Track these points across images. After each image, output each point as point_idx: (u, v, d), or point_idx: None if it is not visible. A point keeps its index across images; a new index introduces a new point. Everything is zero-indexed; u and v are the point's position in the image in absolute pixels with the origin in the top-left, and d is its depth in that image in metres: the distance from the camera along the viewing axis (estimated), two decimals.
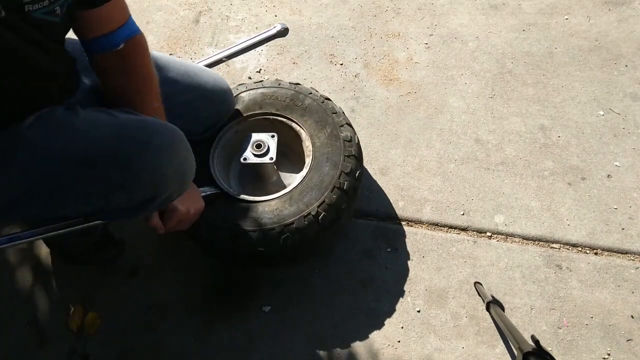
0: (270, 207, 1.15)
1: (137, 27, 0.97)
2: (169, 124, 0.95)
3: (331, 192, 1.14)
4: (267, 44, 1.57)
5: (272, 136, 1.25)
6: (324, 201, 1.13)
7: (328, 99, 1.30)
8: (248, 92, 1.32)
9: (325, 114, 1.26)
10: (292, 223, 1.11)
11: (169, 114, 1.08)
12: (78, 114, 0.88)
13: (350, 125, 1.26)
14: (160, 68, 1.10)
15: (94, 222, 1.00)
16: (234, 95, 1.30)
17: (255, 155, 1.22)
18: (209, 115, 1.23)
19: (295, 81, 1.56)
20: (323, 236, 1.16)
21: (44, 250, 1.39)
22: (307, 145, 1.25)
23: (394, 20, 1.83)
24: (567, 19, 1.78)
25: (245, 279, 1.33)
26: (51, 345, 1.26)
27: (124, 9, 0.94)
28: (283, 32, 1.47)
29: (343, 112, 1.29)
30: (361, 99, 1.64)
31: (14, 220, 0.93)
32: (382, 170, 1.47)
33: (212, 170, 1.22)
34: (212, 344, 1.24)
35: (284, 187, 1.26)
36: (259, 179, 1.32)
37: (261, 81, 1.36)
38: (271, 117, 1.30)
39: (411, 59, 1.72)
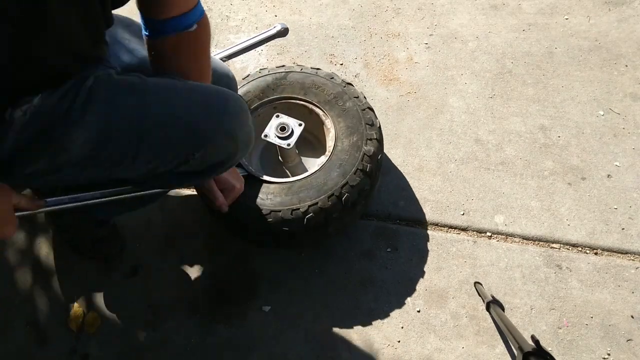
0: (294, 188, 1.18)
1: (203, 9, 0.96)
2: (235, 93, 0.98)
3: (354, 173, 1.17)
4: (267, 44, 1.57)
5: (300, 124, 1.26)
6: (347, 182, 1.16)
7: (350, 84, 1.33)
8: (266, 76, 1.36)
9: (347, 98, 1.29)
10: (317, 203, 1.15)
11: None
12: (144, 79, 0.87)
13: (372, 109, 1.29)
14: None
15: (149, 192, 1.02)
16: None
17: (278, 137, 1.23)
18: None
19: None
20: (346, 216, 1.19)
21: (44, 250, 1.39)
22: (329, 128, 1.28)
23: (394, 20, 1.83)
24: (567, 19, 1.78)
25: (245, 279, 1.33)
26: (51, 345, 1.26)
27: None
28: (283, 32, 1.47)
29: (364, 97, 1.32)
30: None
31: (77, 181, 0.91)
32: (383, 170, 1.47)
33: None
34: (212, 344, 1.24)
35: (306, 170, 1.31)
36: (281, 161, 1.35)
37: (283, 66, 1.40)
38: (297, 101, 1.32)
39: (411, 59, 1.72)
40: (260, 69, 1.39)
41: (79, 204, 0.95)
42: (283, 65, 1.39)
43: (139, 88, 0.85)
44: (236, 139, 0.92)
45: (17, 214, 0.82)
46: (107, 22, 0.86)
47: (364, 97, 1.32)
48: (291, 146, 1.23)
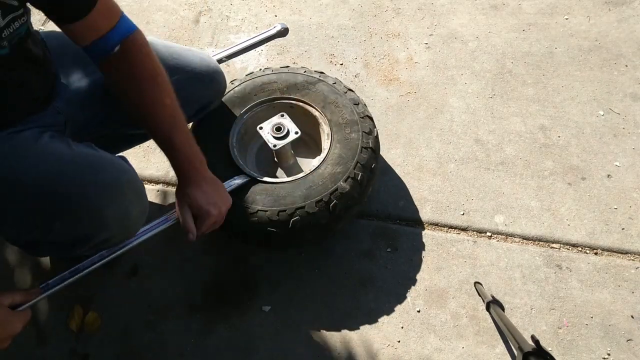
0: (285, 189, 1.18)
1: (132, 25, 0.92)
2: (125, 164, 0.93)
3: (345, 181, 1.16)
4: (267, 44, 1.57)
5: (282, 115, 1.26)
6: (336, 189, 1.16)
7: (351, 90, 1.33)
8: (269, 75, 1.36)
9: (347, 104, 1.28)
10: (304, 207, 1.14)
11: None
12: (39, 140, 0.88)
13: (370, 117, 1.28)
14: None
15: (144, 238, 1.01)
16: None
17: (278, 138, 1.23)
18: (198, 97, 1.19)
19: None
20: (334, 223, 1.19)
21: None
22: (326, 132, 1.27)
23: (394, 20, 1.83)
24: (567, 19, 1.78)
25: (245, 279, 1.33)
26: (51, 345, 1.26)
27: (111, 10, 0.88)
28: (283, 32, 1.47)
29: (364, 104, 1.31)
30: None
31: None
32: (382, 170, 1.47)
33: (232, 153, 1.24)
34: (212, 344, 1.24)
35: (301, 170, 1.31)
36: (277, 161, 1.35)
37: (287, 66, 1.40)
38: (292, 101, 1.32)
39: (411, 59, 1.72)
40: (265, 68, 1.40)
41: (82, 274, 0.95)
42: (287, 66, 1.40)
43: (20, 153, 0.86)
44: (101, 213, 0.87)
45: (19, 309, 0.84)
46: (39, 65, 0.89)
47: (364, 105, 1.31)
48: (277, 148, 1.23)
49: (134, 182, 0.94)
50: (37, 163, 0.86)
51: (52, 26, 1.63)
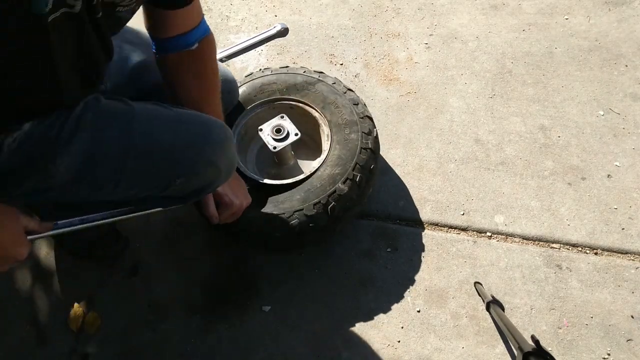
0: (285, 191, 1.18)
1: (208, 26, 0.97)
2: (219, 120, 0.99)
3: (342, 184, 1.16)
4: (267, 44, 1.57)
5: (282, 117, 1.27)
6: (334, 191, 1.15)
7: (350, 90, 1.32)
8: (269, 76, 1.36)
9: (346, 104, 1.28)
10: (302, 209, 1.14)
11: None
12: (131, 105, 0.88)
13: (370, 117, 1.28)
14: None
15: (152, 210, 1.02)
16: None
17: (278, 140, 1.23)
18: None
19: None
20: (332, 225, 1.19)
21: (44, 250, 1.39)
22: (326, 133, 1.27)
23: (394, 20, 1.83)
24: (567, 19, 1.78)
25: (245, 279, 1.33)
26: (51, 345, 1.26)
27: (200, 8, 0.94)
28: (283, 32, 1.47)
29: (364, 104, 1.31)
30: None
31: (63, 200, 0.93)
32: (382, 170, 1.47)
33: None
34: (212, 344, 1.24)
35: (301, 171, 1.31)
36: (277, 163, 1.35)
37: (287, 66, 1.41)
38: (291, 102, 1.33)
39: (411, 59, 1.72)
40: (264, 69, 1.40)
41: (89, 224, 0.95)
42: (287, 66, 1.40)
43: (123, 117, 0.86)
44: (217, 167, 0.95)
45: (28, 237, 0.83)
46: (108, 55, 0.87)
47: (364, 105, 1.31)
48: (277, 149, 1.23)
49: (232, 136, 1.01)
50: (148, 127, 0.87)
51: None
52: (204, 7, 1.93)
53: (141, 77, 1.08)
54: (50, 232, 0.91)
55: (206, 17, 1.95)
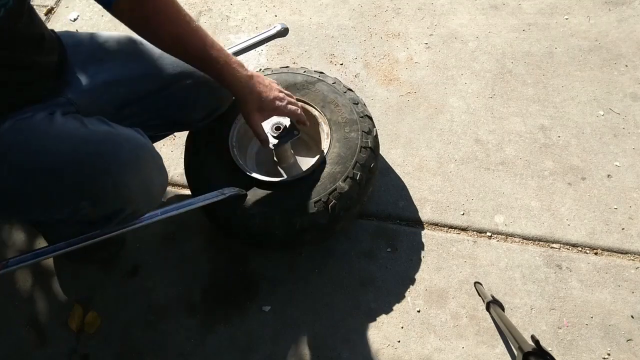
0: (282, 189, 1.17)
1: None
2: (142, 138, 0.94)
3: (343, 182, 1.16)
4: (267, 44, 1.57)
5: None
6: (335, 189, 1.15)
7: (350, 90, 1.32)
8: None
9: (346, 104, 1.28)
10: (303, 207, 1.14)
11: (167, 103, 1.09)
12: (54, 122, 0.88)
13: (370, 117, 1.28)
14: (157, 57, 1.10)
15: (112, 233, 0.98)
16: None
17: (278, 138, 1.23)
18: (207, 102, 1.22)
19: None
20: (333, 223, 1.18)
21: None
22: (325, 131, 1.27)
23: (394, 20, 1.83)
24: (567, 19, 1.78)
25: (245, 279, 1.33)
26: (51, 345, 1.26)
27: None
28: (283, 32, 1.47)
29: (364, 104, 1.31)
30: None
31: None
32: (382, 170, 1.47)
33: (232, 152, 1.24)
34: (212, 344, 1.24)
35: (300, 169, 1.30)
36: (276, 161, 1.35)
37: (287, 67, 1.40)
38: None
39: (411, 59, 1.72)
40: (264, 69, 1.40)
41: (41, 258, 0.94)
42: (287, 67, 1.40)
43: (39, 135, 0.86)
44: (127, 189, 0.89)
45: None
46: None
47: (364, 105, 1.31)
48: (276, 147, 1.22)
49: (152, 154, 0.95)
50: (56, 146, 0.86)
51: (51, 24, 1.63)
52: (204, 7, 1.93)
53: (108, 92, 1.05)
54: (1, 271, 0.89)
55: (206, 17, 1.97)
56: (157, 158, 0.97)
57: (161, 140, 1.59)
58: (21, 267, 0.91)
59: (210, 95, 1.21)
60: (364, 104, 1.31)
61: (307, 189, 1.16)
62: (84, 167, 0.85)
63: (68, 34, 1.06)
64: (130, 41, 1.11)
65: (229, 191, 1.12)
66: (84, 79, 1.02)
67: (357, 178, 1.17)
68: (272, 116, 1.14)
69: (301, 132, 1.25)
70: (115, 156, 0.87)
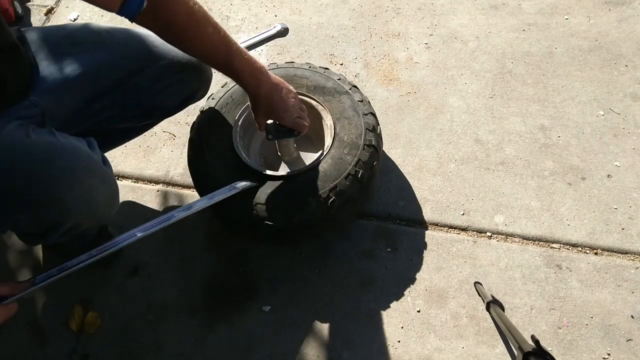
0: (284, 183, 1.18)
1: None
2: (84, 149, 0.92)
3: (345, 178, 1.16)
4: (267, 44, 1.57)
5: None
6: (336, 186, 1.15)
7: (355, 87, 1.32)
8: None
9: (332, 82, 1.29)
10: (303, 202, 1.14)
11: (138, 91, 1.08)
12: (1, 132, 0.86)
13: (373, 114, 1.28)
14: (123, 43, 1.08)
15: (129, 241, 0.99)
16: None
17: (280, 132, 1.23)
18: (181, 85, 1.18)
19: None
20: (330, 220, 1.18)
21: (44, 250, 1.39)
22: (329, 127, 1.27)
23: (394, 20, 1.83)
24: (567, 19, 1.78)
25: (245, 279, 1.33)
26: (51, 345, 1.26)
27: None
28: (283, 32, 1.47)
29: (369, 102, 1.31)
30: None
31: None
32: (382, 170, 1.47)
33: (235, 146, 1.24)
34: (212, 344, 1.24)
35: (303, 163, 1.30)
36: (280, 155, 1.35)
37: (292, 62, 1.40)
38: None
39: (411, 59, 1.72)
40: (270, 64, 1.41)
41: (68, 271, 0.94)
42: (292, 61, 1.40)
43: None
44: (62, 200, 0.86)
45: (5, 302, 0.83)
46: None
47: (368, 102, 1.31)
48: (271, 140, 1.22)
49: (94, 166, 0.91)
50: (2, 156, 0.84)
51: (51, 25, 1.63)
52: (204, 7, 1.93)
53: (74, 89, 1.03)
54: (29, 289, 0.90)
55: None
56: (101, 170, 0.94)
57: (161, 140, 1.60)
58: (49, 282, 0.91)
59: (185, 79, 1.18)
60: (369, 102, 1.31)
61: (309, 184, 1.17)
62: (16, 179, 0.83)
63: (32, 29, 1.04)
64: (96, 30, 1.08)
65: (240, 185, 1.13)
66: (48, 79, 1.00)
67: (359, 176, 1.17)
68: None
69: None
70: (49, 166, 0.84)
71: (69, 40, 0.99)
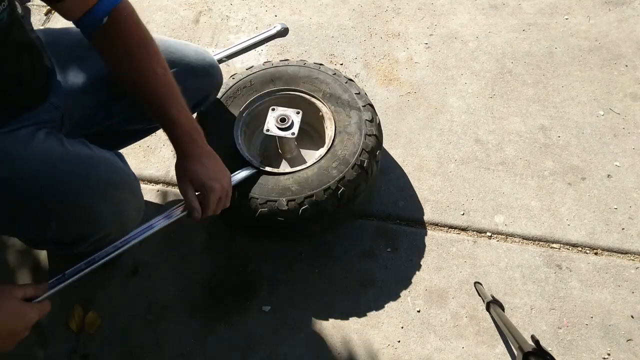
0: (293, 179, 1.18)
1: None
2: (118, 162, 0.93)
3: (324, 191, 1.16)
4: (267, 44, 1.57)
5: (297, 112, 1.27)
6: (344, 177, 1.16)
7: (351, 80, 1.33)
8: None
9: (348, 94, 1.29)
10: (312, 195, 1.15)
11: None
12: (34, 141, 0.88)
13: (372, 106, 1.29)
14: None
15: (152, 231, 0.98)
16: None
17: (279, 129, 1.24)
18: (194, 91, 1.19)
19: None
20: (340, 211, 1.19)
21: (43, 251, 1.39)
22: (329, 123, 1.28)
23: (394, 20, 1.83)
24: (567, 19, 1.78)
25: (245, 279, 1.33)
26: (51, 345, 1.26)
27: None
28: (283, 32, 1.47)
29: (366, 94, 1.32)
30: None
31: None
32: (382, 170, 1.47)
33: (236, 142, 1.24)
34: (212, 344, 1.24)
35: (304, 162, 1.31)
36: (280, 152, 1.36)
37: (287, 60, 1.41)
38: (295, 93, 1.33)
39: (411, 59, 1.72)
40: (265, 62, 1.41)
41: (97, 264, 0.94)
42: (287, 59, 1.40)
43: (16, 154, 0.86)
44: (96, 213, 0.88)
45: (34, 301, 0.85)
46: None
47: (365, 94, 1.32)
48: (295, 135, 1.23)
49: (127, 180, 0.94)
50: (32, 163, 0.86)
51: (51, 25, 1.63)
52: (204, 7, 1.93)
53: (92, 92, 1.04)
54: (60, 286, 0.91)
55: (206, 17, 1.97)
56: (133, 183, 0.96)
57: (161, 140, 1.59)
58: (79, 277, 0.92)
59: (198, 84, 1.19)
60: (378, 123, 1.31)
61: (314, 177, 1.17)
62: (54, 187, 0.85)
63: (48, 31, 1.05)
64: None
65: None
66: (66, 81, 1.01)
67: (364, 164, 1.18)
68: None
69: (300, 131, 1.25)
70: (87, 178, 0.87)
71: (85, 43, 1.00)
